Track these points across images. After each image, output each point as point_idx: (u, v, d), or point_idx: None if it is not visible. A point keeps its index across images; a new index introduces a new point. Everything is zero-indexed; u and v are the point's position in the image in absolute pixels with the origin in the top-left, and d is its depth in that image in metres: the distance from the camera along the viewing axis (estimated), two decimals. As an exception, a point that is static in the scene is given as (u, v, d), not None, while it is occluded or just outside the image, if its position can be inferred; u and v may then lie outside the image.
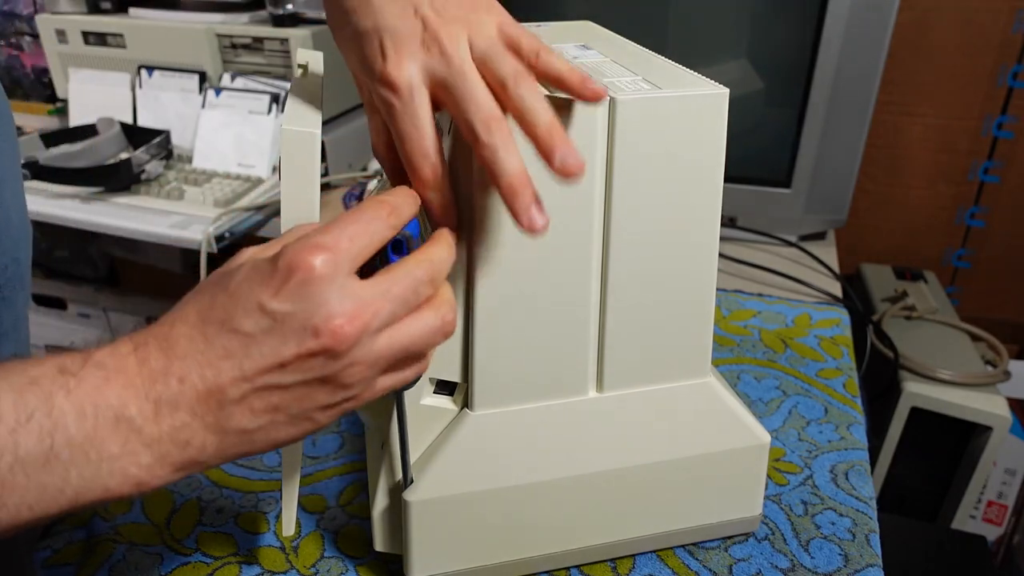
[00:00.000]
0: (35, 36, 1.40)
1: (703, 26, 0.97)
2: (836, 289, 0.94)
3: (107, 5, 1.35)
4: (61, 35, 1.33)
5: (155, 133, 1.19)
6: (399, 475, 0.50)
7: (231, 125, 1.19)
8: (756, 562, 0.54)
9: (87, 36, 1.31)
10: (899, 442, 1.04)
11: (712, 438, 0.52)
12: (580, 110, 0.43)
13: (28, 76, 1.48)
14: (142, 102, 1.28)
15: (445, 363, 0.48)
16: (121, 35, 1.28)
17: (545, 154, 0.37)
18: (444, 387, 0.50)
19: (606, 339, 0.49)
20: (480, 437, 0.49)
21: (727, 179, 0.48)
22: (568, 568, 0.54)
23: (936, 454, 1.06)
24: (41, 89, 1.48)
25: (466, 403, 0.49)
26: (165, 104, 1.26)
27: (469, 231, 0.44)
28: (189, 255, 1.41)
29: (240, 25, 1.24)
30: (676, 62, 0.50)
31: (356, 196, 1.08)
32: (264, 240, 1.11)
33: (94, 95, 1.31)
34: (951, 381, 0.99)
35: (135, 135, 1.21)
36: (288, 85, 1.18)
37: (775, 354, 0.79)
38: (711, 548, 0.56)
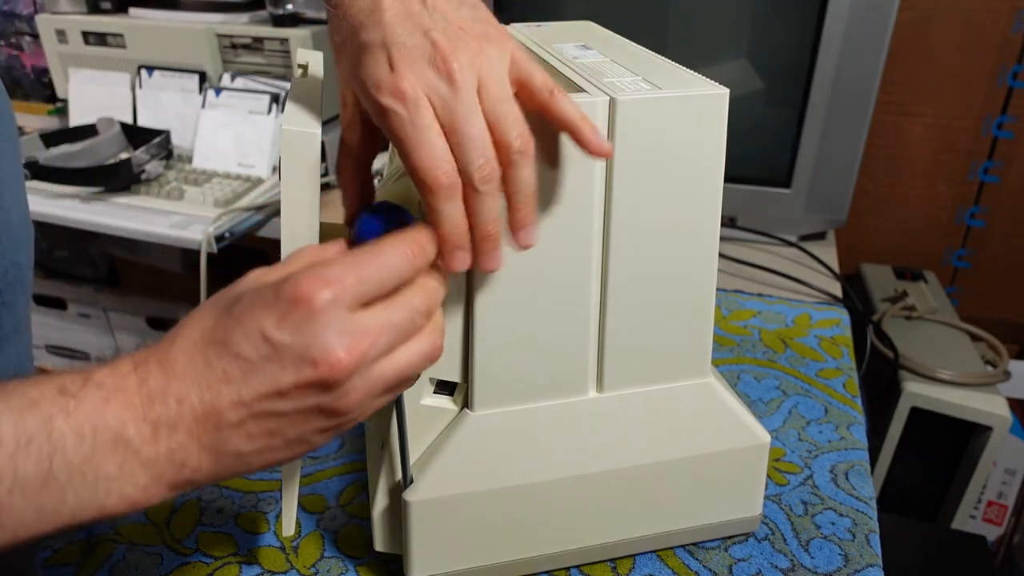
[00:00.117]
0: (35, 36, 1.40)
1: (703, 26, 0.97)
2: (836, 289, 0.94)
3: (107, 5, 1.35)
4: (61, 35, 1.33)
5: (155, 133, 1.19)
6: (399, 475, 0.49)
7: (231, 125, 1.19)
8: (756, 562, 0.54)
9: (87, 36, 1.31)
10: (899, 442, 1.04)
11: (712, 438, 0.52)
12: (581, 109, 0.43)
13: (28, 76, 1.48)
14: (142, 102, 1.28)
15: (445, 363, 0.48)
16: (121, 35, 1.28)
17: (515, 226, 0.39)
18: (444, 387, 0.50)
19: (606, 339, 0.49)
20: (480, 437, 0.49)
21: (727, 179, 0.48)
22: (568, 568, 0.54)
23: (936, 454, 1.06)
24: (41, 89, 1.48)
25: (466, 403, 0.49)
26: (165, 104, 1.26)
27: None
28: (189, 255, 1.41)
29: (240, 25, 1.24)
30: (676, 62, 0.50)
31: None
32: (263, 240, 1.11)
33: (94, 95, 1.31)
34: (951, 381, 0.99)
35: (135, 135, 1.21)
36: (288, 85, 1.18)
37: (775, 354, 0.79)
38: (711, 548, 0.56)
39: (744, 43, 0.97)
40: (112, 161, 1.15)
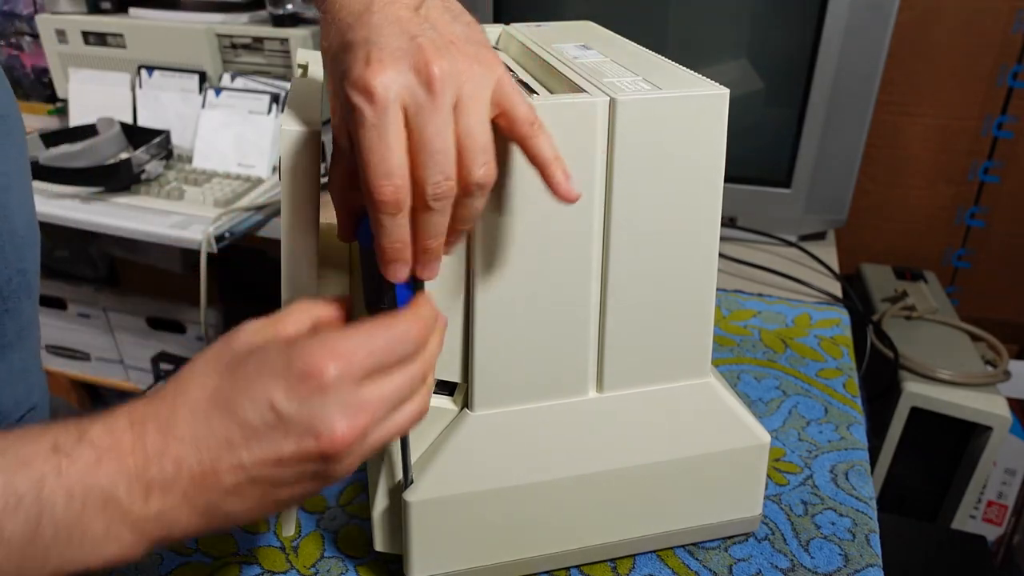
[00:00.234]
0: (35, 36, 1.40)
1: (703, 26, 0.97)
2: (836, 289, 0.94)
3: (107, 5, 1.35)
4: (61, 35, 1.33)
5: (155, 133, 1.19)
6: (399, 475, 0.50)
7: (231, 125, 1.19)
8: (756, 562, 0.54)
9: (87, 36, 1.31)
10: (899, 442, 1.04)
11: (712, 438, 0.52)
12: (581, 109, 0.43)
13: (28, 76, 1.48)
14: (142, 102, 1.28)
15: (445, 363, 0.48)
16: (121, 35, 1.28)
17: (433, 256, 0.38)
18: (444, 387, 0.50)
19: (606, 339, 0.49)
20: (480, 437, 0.49)
21: (727, 179, 0.48)
22: (568, 568, 0.54)
23: (936, 454, 1.06)
24: (41, 89, 1.48)
25: (466, 403, 0.49)
26: (165, 104, 1.26)
27: (469, 231, 0.44)
28: (189, 255, 1.41)
29: (240, 25, 1.24)
30: (676, 62, 0.50)
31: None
32: (263, 240, 1.11)
33: (94, 95, 1.31)
34: (951, 381, 0.99)
35: (135, 135, 1.21)
36: (288, 85, 1.18)
37: (775, 354, 0.79)
38: (711, 548, 0.56)
39: (744, 43, 0.97)
40: (112, 161, 1.15)
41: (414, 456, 0.49)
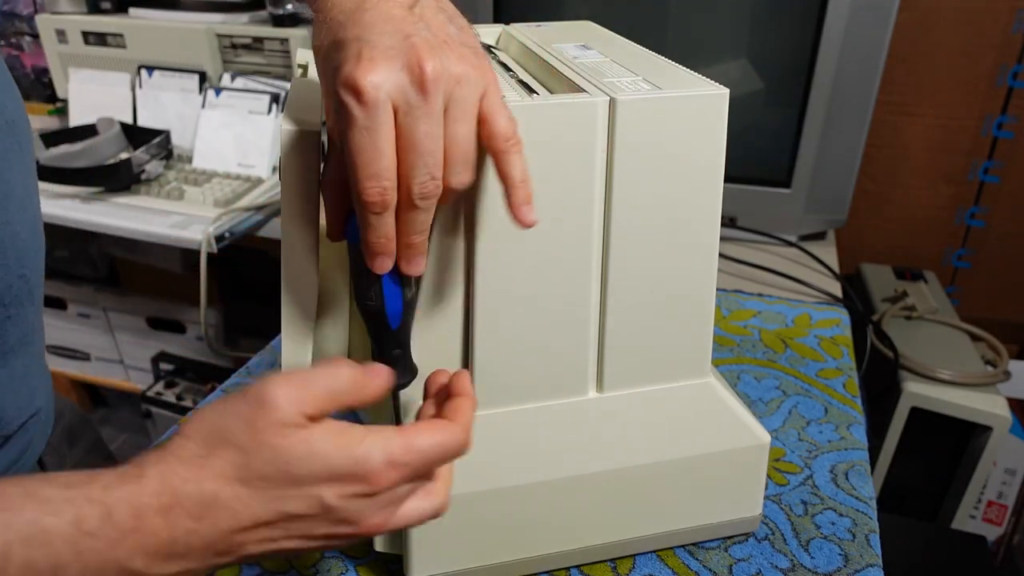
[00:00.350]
0: (35, 36, 1.40)
1: (703, 26, 0.97)
2: (836, 289, 0.94)
3: (107, 5, 1.35)
4: (61, 35, 1.33)
5: (155, 133, 1.19)
6: (399, 475, 0.49)
7: (231, 125, 1.19)
8: (756, 562, 0.54)
9: (87, 36, 1.31)
10: (899, 442, 1.04)
11: (712, 438, 0.52)
12: (581, 109, 0.43)
13: (28, 76, 1.48)
14: (142, 102, 1.28)
15: (445, 363, 0.48)
16: (121, 35, 1.28)
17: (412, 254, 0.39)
18: (444, 387, 0.50)
19: (606, 339, 0.49)
20: (480, 437, 0.49)
21: (727, 179, 0.48)
22: (568, 568, 0.54)
23: (936, 454, 1.06)
24: (41, 89, 1.48)
25: (466, 403, 0.49)
26: (165, 104, 1.26)
27: (469, 231, 0.44)
28: (189, 255, 1.41)
29: (240, 25, 1.25)
30: (676, 62, 0.50)
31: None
32: (263, 240, 1.11)
33: (94, 95, 1.31)
34: (951, 381, 0.99)
35: (135, 135, 1.21)
36: (288, 85, 1.18)
37: (775, 354, 0.79)
38: (711, 548, 0.56)
39: (744, 43, 0.97)
40: (112, 161, 1.15)
41: (414, 456, 0.49)
